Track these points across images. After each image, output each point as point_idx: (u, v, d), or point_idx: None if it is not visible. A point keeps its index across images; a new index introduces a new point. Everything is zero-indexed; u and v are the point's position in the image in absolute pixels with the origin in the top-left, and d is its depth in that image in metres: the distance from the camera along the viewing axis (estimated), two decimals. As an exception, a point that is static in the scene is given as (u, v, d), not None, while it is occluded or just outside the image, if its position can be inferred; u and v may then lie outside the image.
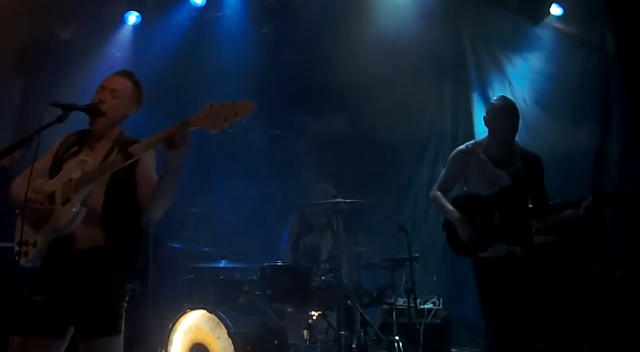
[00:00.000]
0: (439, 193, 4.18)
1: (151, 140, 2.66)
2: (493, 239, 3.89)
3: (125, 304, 2.84)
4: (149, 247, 2.88)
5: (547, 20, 6.41)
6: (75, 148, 3.02)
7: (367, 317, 5.51)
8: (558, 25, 6.48)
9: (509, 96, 4.55)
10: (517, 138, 4.08)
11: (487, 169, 3.99)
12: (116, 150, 2.92)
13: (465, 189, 4.19)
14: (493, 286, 3.88)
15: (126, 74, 3.12)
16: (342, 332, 5.16)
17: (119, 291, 2.81)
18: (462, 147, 4.16)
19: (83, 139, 3.05)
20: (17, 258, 2.80)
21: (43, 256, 2.80)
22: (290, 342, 5.13)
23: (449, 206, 4.06)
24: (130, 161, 2.69)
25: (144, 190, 2.86)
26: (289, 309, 5.38)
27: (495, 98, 4.20)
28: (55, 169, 2.93)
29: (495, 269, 3.87)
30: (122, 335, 2.80)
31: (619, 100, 6.08)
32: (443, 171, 4.30)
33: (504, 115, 3.97)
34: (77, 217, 2.73)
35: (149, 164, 2.91)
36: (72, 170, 2.83)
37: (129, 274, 2.87)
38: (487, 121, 4.02)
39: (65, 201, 2.76)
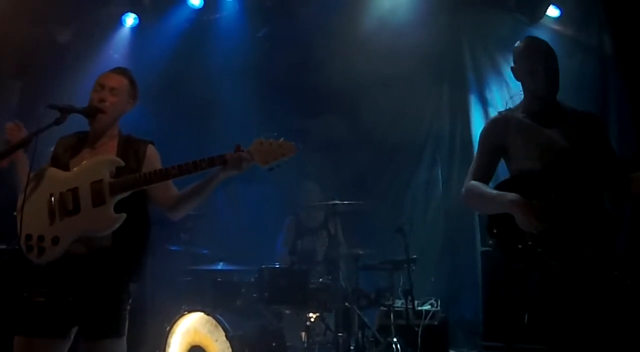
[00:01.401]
0: (475, 183, 3.02)
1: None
2: (563, 236, 2.73)
3: (129, 307, 2.84)
4: (150, 248, 2.90)
5: (544, 21, 6.42)
6: (75, 147, 3.02)
7: (365, 319, 5.51)
8: (555, 26, 6.48)
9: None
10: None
11: (533, 132, 2.96)
12: (131, 150, 2.98)
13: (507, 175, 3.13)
14: (571, 317, 2.74)
15: (122, 71, 3.13)
16: (340, 334, 5.15)
17: (123, 293, 2.81)
18: (494, 116, 3.21)
19: (81, 140, 3.05)
20: (26, 253, 2.77)
21: (60, 256, 2.77)
22: (288, 344, 5.13)
23: (495, 191, 2.90)
24: (174, 177, 2.85)
25: (161, 191, 2.94)
26: (287, 311, 5.38)
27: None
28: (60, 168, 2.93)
29: (571, 289, 2.75)
30: (125, 337, 2.80)
31: (616, 101, 6.08)
32: (475, 156, 3.19)
33: (534, 55, 3.01)
34: (117, 223, 2.76)
35: (156, 165, 2.96)
36: (95, 169, 2.83)
37: (135, 275, 2.88)
38: (515, 72, 3.09)
39: (99, 203, 2.76)
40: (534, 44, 3.08)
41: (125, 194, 2.80)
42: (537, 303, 2.88)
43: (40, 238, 2.76)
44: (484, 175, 3.06)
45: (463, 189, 3.09)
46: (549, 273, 2.78)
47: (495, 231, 2.91)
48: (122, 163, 2.86)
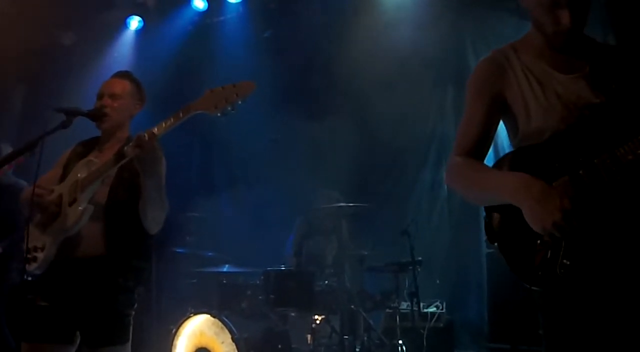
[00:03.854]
0: (460, 159, 2.05)
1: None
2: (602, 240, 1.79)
3: (133, 313, 2.82)
4: (151, 254, 2.87)
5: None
6: (85, 153, 3.02)
7: (371, 322, 5.49)
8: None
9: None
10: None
11: (548, 79, 2.01)
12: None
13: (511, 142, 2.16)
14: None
15: (122, 75, 3.13)
16: (346, 337, 5.14)
17: (124, 299, 2.79)
18: (488, 55, 2.22)
19: (92, 144, 3.07)
20: (26, 265, 2.78)
21: (51, 261, 2.77)
22: (293, 346, 5.12)
23: (491, 171, 1.98)
24: (123, 161, 2.67)
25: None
26: (293, 314, 5.37)
27: None
28: (64, 176, 2.94)
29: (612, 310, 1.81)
30: (129, 344, 2.78)
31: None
32: (463, 116, 2.19)
33: None
34: (84, 215, 2.72)
35: None
36: (79, 171, 2.83)
37: (132, 281, 2.83)
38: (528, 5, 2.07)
39: (72, 201, 2.76)
40: None
41: (93, 187, 2.76)
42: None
43: (35, 248, 2.78)
44: (476, 144, 2.07)
45: (447, 167, 2.12)
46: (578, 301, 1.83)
47: (496, 237, 1.95)
48: (96, 161, 2.83)
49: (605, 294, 1.80)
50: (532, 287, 1.86)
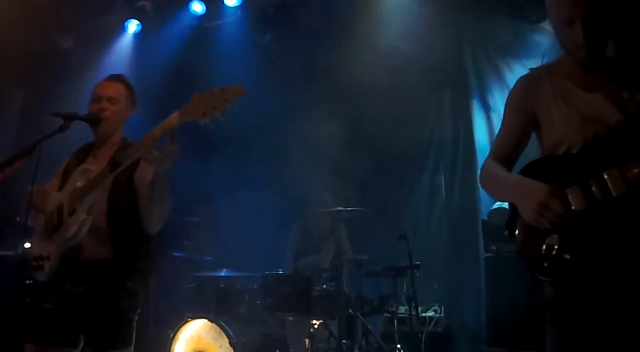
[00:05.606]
0: (491, 163, 2.40)
1: (140, 145, 2.62)
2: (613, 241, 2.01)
3: (136, 317, 2.82)
4: (155, 255, 2.87)
5: (546, 26, 6.42)
6: (81, 159, 3.03)
7: (369, 326, 5.48)
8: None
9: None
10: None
11: (572, 97, 2.23)
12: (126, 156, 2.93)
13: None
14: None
15: (118, 78, 3.13)
16: (344, 341, 5.14)
17: (128, 303, 2.79)
18: (525, 74, 2.46)
19: (87, 150, 3.07)
20: (34, 273, 2.82)
21: (55, 270, 2.79)
22: (291, 351, 5.13)
23: (505, 173, 2.32)
24: (118, 170, 2.68)
25: (142, 197, 2.84)
26: (290, 318, 5.36)
27: None
28: (63, 184, 2.95)
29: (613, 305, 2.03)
30: (132, 348, 2.79)
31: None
32: (499, 129, 2.49)
33: None
34: (84, 226, 2.73)
35: (147, 168, 2.79)
36: (77, 180, 2.84)
37: (137, 284, 2.85)
38: (550, 21, 2.30)
39: (72, 212, 2.76)
40: None
41: (91, 196, 2.76)
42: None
43: (41, 257, 2.81)
44: (507, 152, 2.39)
45: (481, 169, 2.46)
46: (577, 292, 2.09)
47: (512, 230, 2.26)
48: (93, 169, 2.83)
49: (606, 290, 2.03)
50: (541, 278, 2.13)
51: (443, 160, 6.94)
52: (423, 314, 5.78)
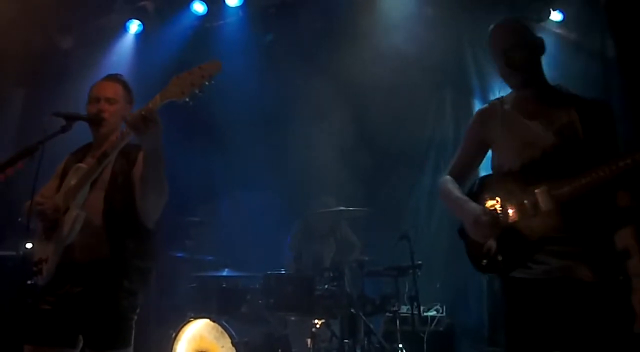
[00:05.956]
0: (446, 178, 2.80)
1: (123, 134, 2.65)
2: (537, 247, 2.43)
3: (136, 317, 2.82)
4: (155, 254, 2.86)
5: (547, 25, 6.42)
6: (79, 161, 3.03)
7: (371, 326, 5.49)
8: (558, 30, 6.48)
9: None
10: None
11: (515, 124, 2.59)
12: (124, 155, 2.93)
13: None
14: (533, 330, 2.45)
15: (114, 78, 3.13)
16: (346, 341, 5.14)
17: (128, 303, 2.79)
18: (482, 106, 2.88)
19: (85, 152, 3.06)
20: (35, 278, 2.81)
21: (53, 272, 2.79)
22: (293, 350, 5.13)
23: (456, 193, 2.68)
24: (106, 161, 2.70)
25: (137, 189, 2.83)
26: (293, 318, 5.37)
27: None
28: (61, 186, 2.95)
29: (540, 301, 2.43)
30: (131, 348, 2.78)
31: (619, 105, 6.07)
32: (458, 149, 2.95)
33: (500, 37, 2.70)
34: (77, 223, 2.73)
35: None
36: (71, 179, 2.84)
37: (136, 283, 2.84)
38: (493, 60, 2.76)
39: (66, 210, 2.76)
40: (499, 26, 2.73)
41: (83, 192, 2.78)
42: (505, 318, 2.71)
43: (40, 261, 2.81)
44: (461, 171, 2.82)
45: (439, 182, 2.85)
46: (511, 284, 2.56)
47: (462, 235, 2.74)
48: (84, 166, 2.84)
49: (536, 290, 2.44)
50: (481, 273, 2.70)
51: (443, 160, 6.92)
52: (425, 314, 5.77)
